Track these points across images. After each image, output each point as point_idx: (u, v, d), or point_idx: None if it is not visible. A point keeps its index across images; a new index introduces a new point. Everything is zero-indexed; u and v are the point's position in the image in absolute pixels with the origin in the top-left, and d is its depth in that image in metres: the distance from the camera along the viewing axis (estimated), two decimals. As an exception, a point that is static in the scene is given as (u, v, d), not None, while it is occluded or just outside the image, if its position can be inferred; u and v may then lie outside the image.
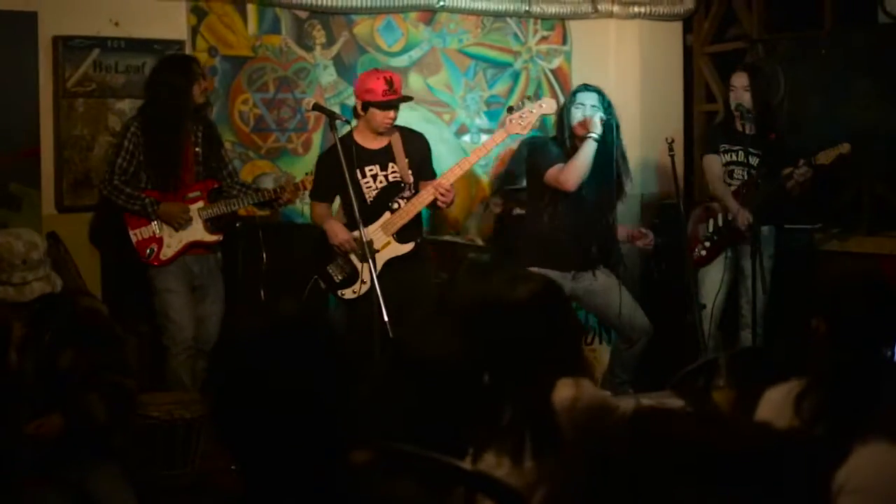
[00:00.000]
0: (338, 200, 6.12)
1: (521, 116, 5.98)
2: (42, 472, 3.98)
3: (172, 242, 6.04)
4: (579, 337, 3.42)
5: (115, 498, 4.13)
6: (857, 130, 6.55)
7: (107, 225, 6.22)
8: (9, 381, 3.91)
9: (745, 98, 6.45)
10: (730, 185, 6.52)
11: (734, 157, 6.54)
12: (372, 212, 5.88)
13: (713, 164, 6.64)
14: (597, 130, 5.94)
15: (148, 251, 6.02)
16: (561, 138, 6.11)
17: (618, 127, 6.01)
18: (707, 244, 6.54)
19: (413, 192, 5.99)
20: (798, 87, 7.20)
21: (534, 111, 5.99)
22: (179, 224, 6.02)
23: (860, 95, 6.85)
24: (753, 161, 6.43)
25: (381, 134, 5.97)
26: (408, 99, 6.13)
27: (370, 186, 5.94)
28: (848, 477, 2.54)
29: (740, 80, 6.53)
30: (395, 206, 5.94)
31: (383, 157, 5.98)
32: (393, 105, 5.91)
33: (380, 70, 6.30)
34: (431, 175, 6.06)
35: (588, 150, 5.94)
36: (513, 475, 3.11)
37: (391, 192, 5.97)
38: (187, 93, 5.98)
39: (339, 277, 5.96)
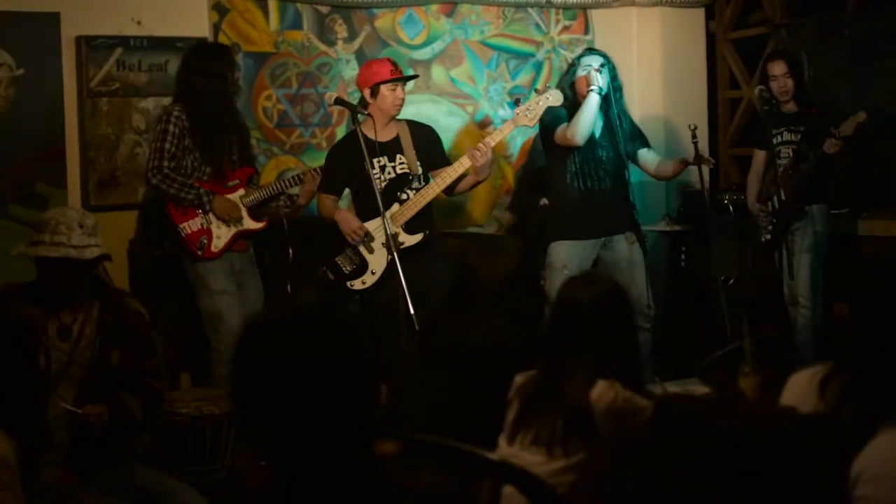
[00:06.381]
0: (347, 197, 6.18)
1: (527, 108, 6.07)
2: (84, 470, 4.04)
3: (222, 234, 5.98)
4: (630, 342, 3.42)
5: (178, 486, 4.19)
6: (882, 114, 6.51)
7: (153, 222, 6.17)
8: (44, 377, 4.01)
9: (790, 85, 6.46)
10: (779, 165, 6.49)
11: (780, 139, 6.56)
12: (381, 203, 5.88)
13: (755, 157, 6.78)
14: (597, 83, 6.11)
15: (200, 244, 5.95)
16: (571, 101, 6.23)
17: (620, 89, 6.27)
18: (770, 227, 6.54)
19: (422, 183, 6.04)
20: (822, 71, 7.16)
21: (540, 103, 6.07)
22: (231, 219, 5.98)
23: (884, 78, 6.81)
24: (797, 138, 6.47)
25: (389, 122, 6.01)
26: (414, 76, 6.40)
27: (378, 178, 5.92)
28: (864, 465, 2.52)
29: (779, 67, 6.49)
30: (404, 196, 5.99)
31: (391, 148, 6.03)
32: (402, 80, 6.00)
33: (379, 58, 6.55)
34: (445, 163, 6.11)
35: (591, 103, 6.11)
36: (545, 467, 3.12)
37: (400, 184, 6.01)
38: (227, 79, 5.98)
39: (348, 269, 6.01)
